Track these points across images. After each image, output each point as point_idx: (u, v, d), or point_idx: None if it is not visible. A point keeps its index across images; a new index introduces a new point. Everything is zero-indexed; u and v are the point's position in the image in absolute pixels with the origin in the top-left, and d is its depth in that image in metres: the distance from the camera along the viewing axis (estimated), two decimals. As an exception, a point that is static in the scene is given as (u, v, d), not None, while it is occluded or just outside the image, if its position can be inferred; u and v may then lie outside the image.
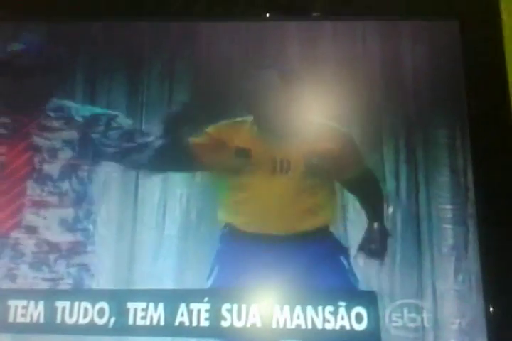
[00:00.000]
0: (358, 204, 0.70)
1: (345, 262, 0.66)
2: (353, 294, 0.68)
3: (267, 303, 0.65)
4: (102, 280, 0.69)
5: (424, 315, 0.68)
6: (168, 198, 0.72)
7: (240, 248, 0.57)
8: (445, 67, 0.75)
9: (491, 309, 0.67)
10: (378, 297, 0.68)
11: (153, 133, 0.71)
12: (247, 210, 0.54)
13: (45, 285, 0.68)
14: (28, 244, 0.65)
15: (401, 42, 0.76)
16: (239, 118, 0.71)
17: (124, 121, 0.70)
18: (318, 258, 0.61)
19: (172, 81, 0.76)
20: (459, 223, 0.71)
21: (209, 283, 0.68)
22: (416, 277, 0.70)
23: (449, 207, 0.71)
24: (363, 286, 0.69)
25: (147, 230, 0.71)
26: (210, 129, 0.66)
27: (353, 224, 0.70)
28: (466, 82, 0.73)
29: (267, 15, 0.76)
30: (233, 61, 0.76)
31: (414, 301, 0.69)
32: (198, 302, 0.66)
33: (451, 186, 0.72)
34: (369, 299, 0.68)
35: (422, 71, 0.75)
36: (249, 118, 0.70)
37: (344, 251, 0.67)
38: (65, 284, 0.68)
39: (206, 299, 0.65)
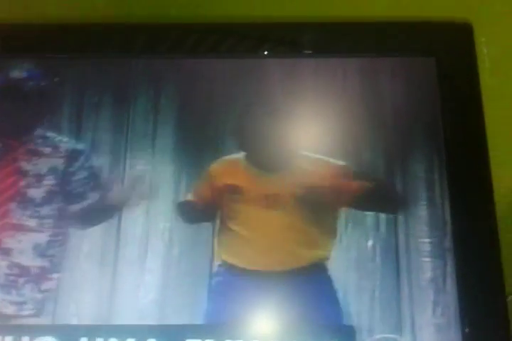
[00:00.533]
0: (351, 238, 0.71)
1: (338, 298, 0.65)
2: (331, 329, 0.68)
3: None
4: (82, 315, 0.70)
5: (403, 349, 0.68)
6: (151, 231, 0.73)
7: (236, 285, 0.57)
8: (422, 103, 0.76)
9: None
10: (357, 332, 0.68)
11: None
12: (244, 249, 0.54)
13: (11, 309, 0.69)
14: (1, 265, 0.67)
15: (380, 78, 0.78)
16: (233, 155, 0.72)
17: (96, 162, 0.72)
18: (312, 295, 0.60)
19: (157, 117, 0.78)
20: (437, 256, 0.71)
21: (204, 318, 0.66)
22: (395, 310, 0.70)
23: (427, 240, 0.72)
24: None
25: (128, 263, 0.72)
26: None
27: (347, 259, 0.71)
28: (443, 116, 0.75)
29: (265, 52, 0.78)
30: (218, 97, 0.78)
31: (393, 336, 0.69)
32: (182, 338, 0.67)
33: (430, 219, 0.73)
34: (347, 334, 0.68)
35: (400, 107, 0.77)
36: (242, 154, 0.72)
37: (336, 287, 0.67)
38: (28, 309, 0.69)
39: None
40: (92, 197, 0.71)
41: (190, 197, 0.62)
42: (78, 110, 0.77)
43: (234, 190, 0.49)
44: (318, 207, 0.52)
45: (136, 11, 0.83)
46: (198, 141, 0.76)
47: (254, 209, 0.49)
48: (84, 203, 0.70)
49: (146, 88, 0.78)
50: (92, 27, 0.80)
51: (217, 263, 0.64)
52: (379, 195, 0.67)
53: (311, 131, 0.76)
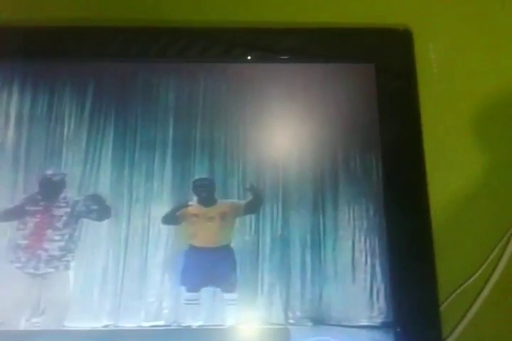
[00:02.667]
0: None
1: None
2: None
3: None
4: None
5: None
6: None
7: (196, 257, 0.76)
8: (363, 108, 0.78)
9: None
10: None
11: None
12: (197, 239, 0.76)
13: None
14: None
15: (325, 83, 0.80)
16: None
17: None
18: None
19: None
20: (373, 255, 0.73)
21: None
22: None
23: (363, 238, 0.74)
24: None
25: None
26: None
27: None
28: (380, 121, 0.76)
29: (249, 57, 0.80)
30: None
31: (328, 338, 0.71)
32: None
33: (367, 215, 0.75)
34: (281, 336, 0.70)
35: (342, 111, 0.79)
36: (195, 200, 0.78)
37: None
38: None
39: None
40: None
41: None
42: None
43: (194, 215, 0.75)
44: (227, 219, 0.75)
45: (113, 14, 0.84)
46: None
47: (202, 222, 0.74)
48: None
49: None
50: (65, 30, 0.81)
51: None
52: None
53: (258, 133, 0.78)
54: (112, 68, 0.81)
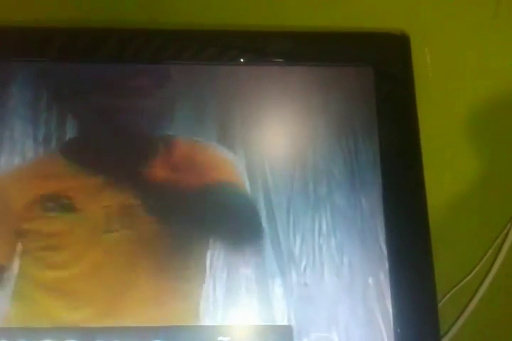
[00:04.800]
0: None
1: None
2: (268, 329, 0.71)
3: None
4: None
5: (337, 348, 0.71)
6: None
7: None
8: (361, 110, 0.79)
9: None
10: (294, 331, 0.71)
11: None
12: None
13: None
14: None
15: (323, 87, 0.81)
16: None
17: None
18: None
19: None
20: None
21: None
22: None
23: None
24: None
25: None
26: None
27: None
28: (379, 124, 0.77)
29: (241, 60, 0.81)
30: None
31: (327, 334, 0.71)
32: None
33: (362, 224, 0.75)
34: (285, 334, 0.71)
35: (340, 114, 0.80)
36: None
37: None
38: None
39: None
40: None
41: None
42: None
43: None
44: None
45: (104, 15, 0.83)
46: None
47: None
48: None
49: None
50: (52, 32, 0.80)
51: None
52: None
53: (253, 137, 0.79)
54: (107, 70, 0.81)
